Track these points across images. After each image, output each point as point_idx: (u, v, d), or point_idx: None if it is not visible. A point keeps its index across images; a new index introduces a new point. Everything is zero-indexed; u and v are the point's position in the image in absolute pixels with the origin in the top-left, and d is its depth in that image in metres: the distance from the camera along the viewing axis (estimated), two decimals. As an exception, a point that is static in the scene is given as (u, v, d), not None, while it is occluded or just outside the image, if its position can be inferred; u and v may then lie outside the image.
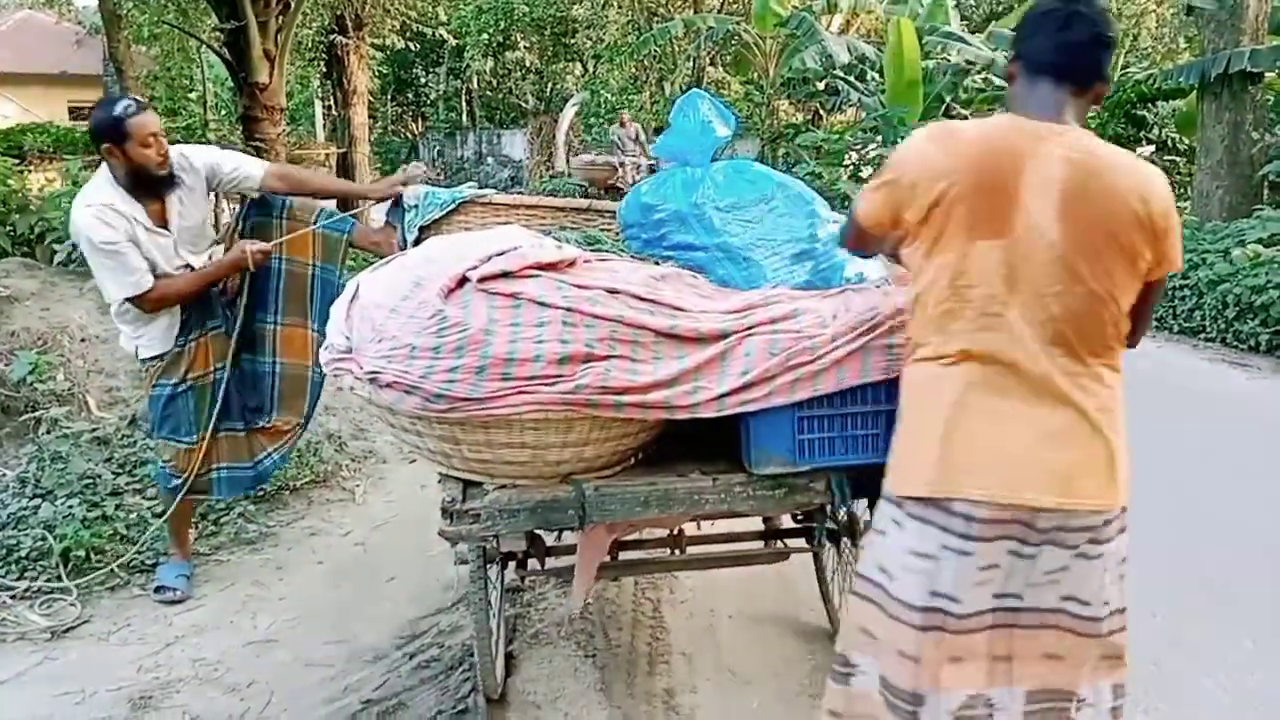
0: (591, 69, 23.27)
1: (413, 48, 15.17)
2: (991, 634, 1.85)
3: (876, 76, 16.20)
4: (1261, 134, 9.57)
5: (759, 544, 3.45)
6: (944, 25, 15.40)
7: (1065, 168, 1.77)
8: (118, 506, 4.11)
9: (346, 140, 11.91)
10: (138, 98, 3.44)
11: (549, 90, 27.07)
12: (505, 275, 2.27)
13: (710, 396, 2.27)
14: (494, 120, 28.46)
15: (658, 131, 21.29)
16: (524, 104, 28.16)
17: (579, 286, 2.31)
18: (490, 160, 27.35)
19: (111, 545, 3.93)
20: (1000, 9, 19.94)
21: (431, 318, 2.24)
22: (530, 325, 2.22)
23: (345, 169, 12.26)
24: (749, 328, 2.35)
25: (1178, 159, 12.41)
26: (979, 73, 15.23)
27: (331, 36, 11.44)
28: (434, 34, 21.06)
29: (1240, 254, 7.43)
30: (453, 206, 3.13)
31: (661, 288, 2.41)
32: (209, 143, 9.99)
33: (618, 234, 3.12)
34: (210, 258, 3.65)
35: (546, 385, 2.20)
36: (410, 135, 27.30)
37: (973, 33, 15.99)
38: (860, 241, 2.18)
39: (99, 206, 3.32)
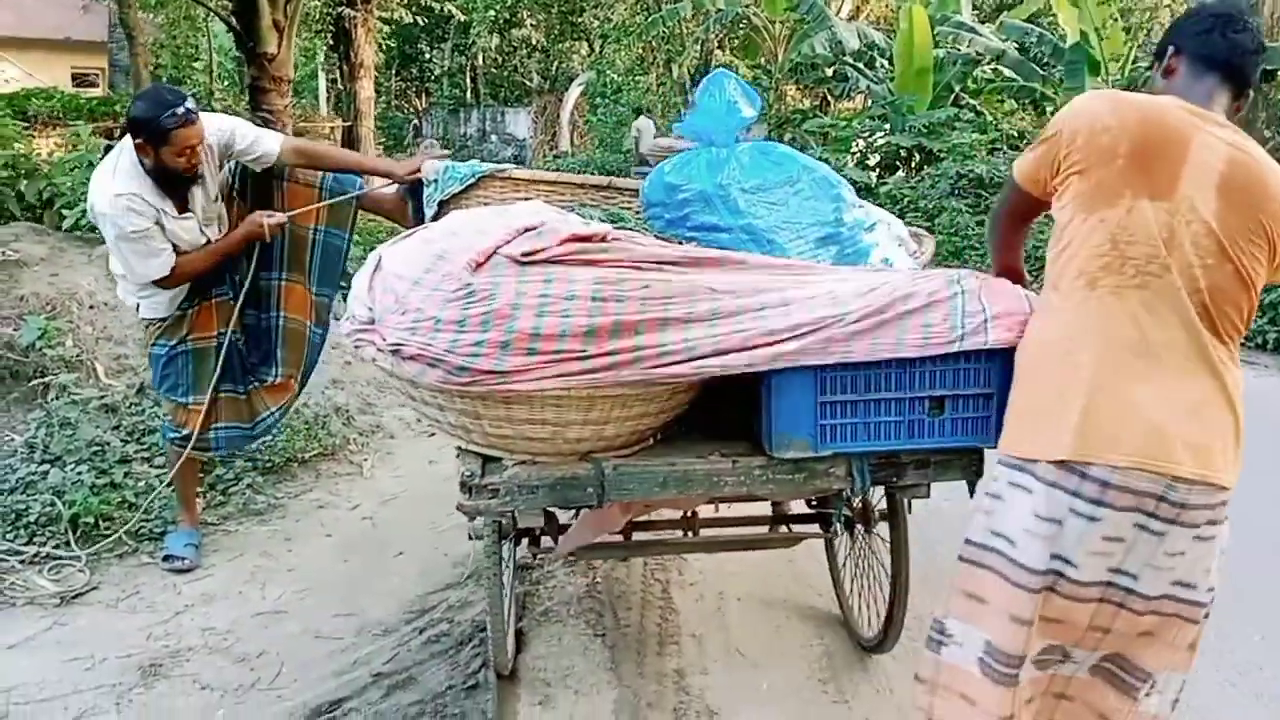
0: (598, 49, 23.15)
1: (420, 22, 15.04)
2: (1097, 607, 1.88)
3: (886, 64, 16.11)
4: (1274, 133, 9.54)
5: (772, 528, 3.45)
6: (955, 14, 15.31)
7: (1227, 151, 1.84)
8: (126, 474, 4.10)
9: (352, 114, 11.85)
10: (189, 104, 3.25)
11: (554, 69, 26.96)
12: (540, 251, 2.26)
13: (743, 355, 2.24)
14: (498, 98, 28.37)
15: (662, 114, 21.28)
16: (528, 82, 28.05)
17: (609, 263, 2.29)
18: (494, 138, 27.28)
19: (120, 512, 3.92)
20: (1012, 0, 19.82)
21: (457, 290, 2.23)
22: (559, 299, 2.21)
23: (350, 143, 12.20)
24: (784, 289, 2.35)
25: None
26: (989, 63, 15.15)
27: (339, 9, 11.36)
28: (441, 9, 20.91)
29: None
30: (472, 181, 3.11)
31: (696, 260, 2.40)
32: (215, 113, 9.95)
33: (638, 213, 3.11)
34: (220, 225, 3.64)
35: (572, 360, 2.19)
36: (414, 111, 27.20)
37: (983, 23, 15.89)
38: (1013, 208, 2.25)
39: (129, 196, 3.29)
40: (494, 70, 27.66)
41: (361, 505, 4.47)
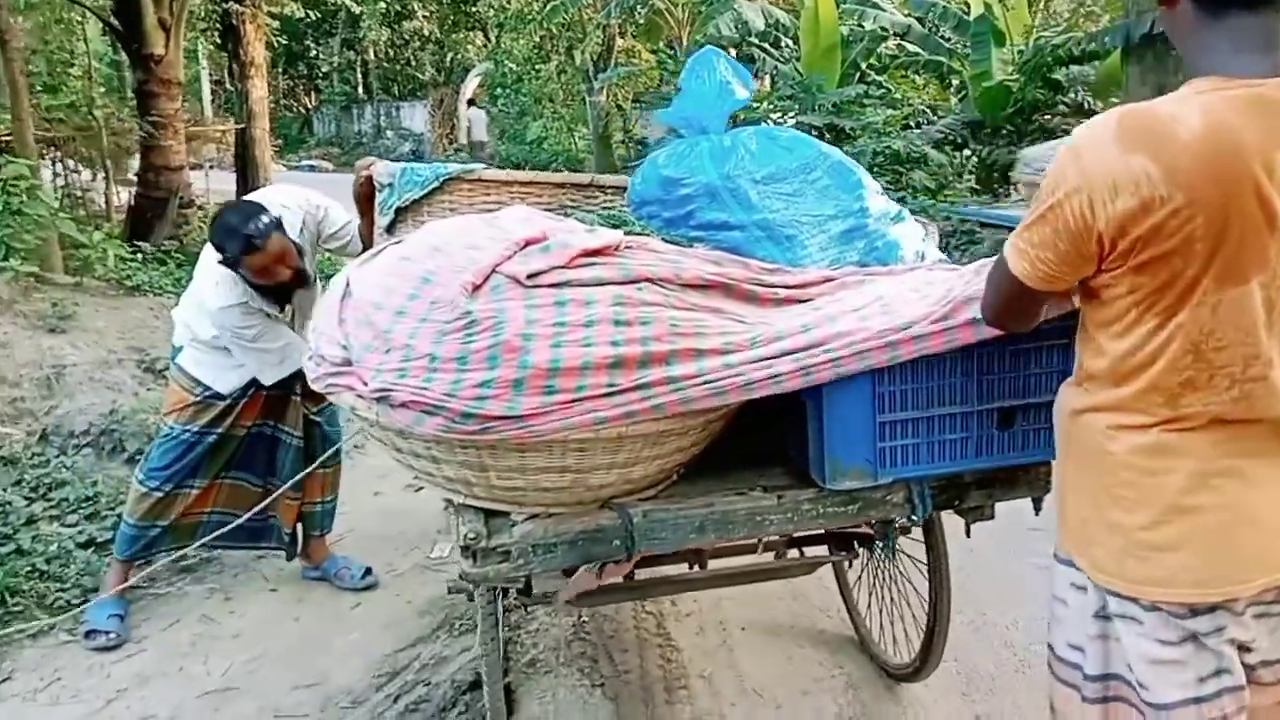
0: (495, 38, 22.51)
1: (310, 16, 14.24)
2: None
3: (791, 44, 15.96)
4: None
5: (778, 554, 3.12)
6: (858, -10, 15.22)
7: None
8: (34, 538, 3.57)
9: (244, 115, 11.13)
10: (256, 225, 2.91)
11: (449, 61, 26.20)
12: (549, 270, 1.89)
13: (793, 366, 1.90)
14: (391, 93, 27.50)
15: (566, 102, 20.81)
16: (422, 75, 27.21)
17: (624, 280, 1.94)
18: (389, 134, 26.48)
19: (30, 583, 3.40)
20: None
21: (454, 320, 1.84)
22: (576, 326, 1.84)
23: (243, 146, 11.45)
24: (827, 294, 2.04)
25: (1095, 122, 12.50)
26: (894, 39, 15.12)
27: (226, 4, 10.62)
28: (330, 2, 20.03)
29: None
30: (435, 185, 2.70)
31: (724, 269, 2.05)
32: (96, 122, 9.15)
33: (621, 211, 2.75)
34: None
35: (598, 397, 1.83)
36: (304, 109, 26.15)
37: (887, -2, 15.85)
38: (1018, 314, 1.68)
39: (240, 307, 3.07)
40: (386, 64, 26.73)
41: (306, 550, 4.00)
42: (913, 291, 2.07)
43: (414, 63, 26.30)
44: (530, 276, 1.89)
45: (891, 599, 2.97)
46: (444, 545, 3.95)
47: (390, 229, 2.79)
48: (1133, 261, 1.37)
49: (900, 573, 2.91)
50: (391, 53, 26.01)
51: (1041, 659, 3.03)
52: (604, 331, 1.85)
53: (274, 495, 3.19)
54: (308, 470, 3.29)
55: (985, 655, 3.10)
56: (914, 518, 2.17)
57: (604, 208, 2.81)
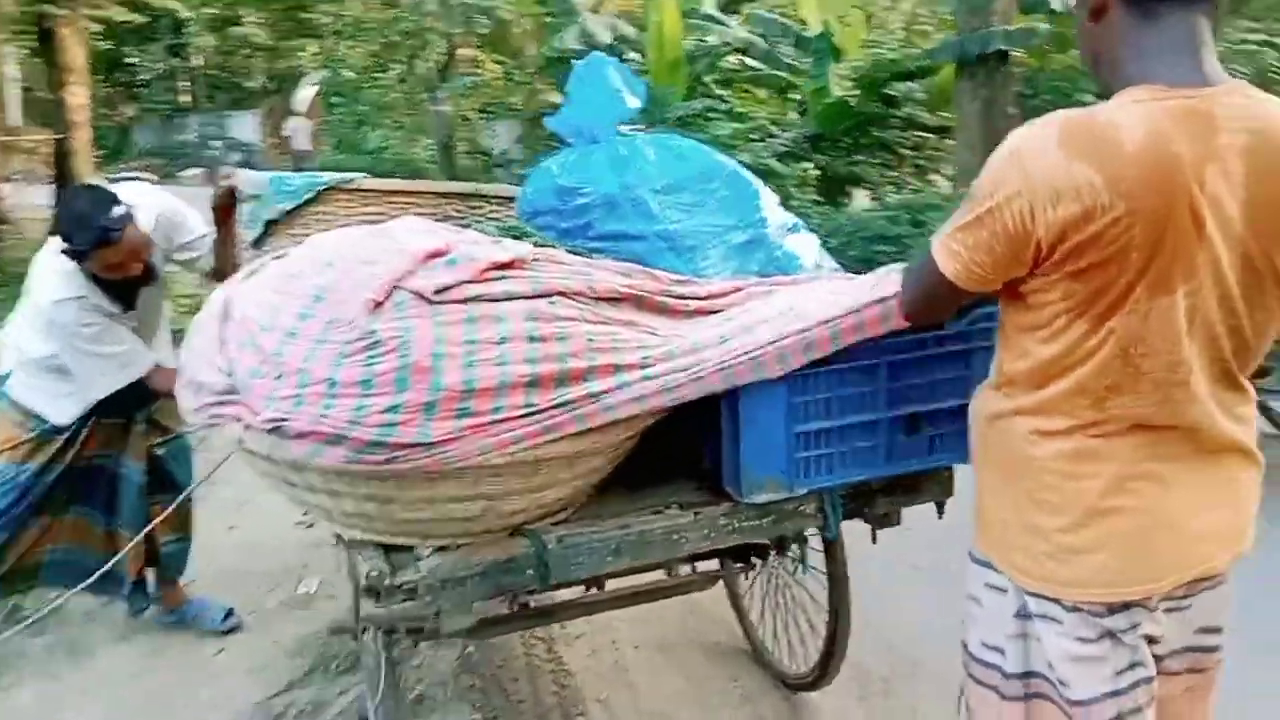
0: (331, 46, 21.80)
1: (132, 21, 13.29)
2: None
3: (638, 57, 16.09)
4: (1017, 110, 10.20)
5: (670, 571, 3.06)
6: (701, 7, 15.50)
7: (1246, 163, 1.32)
8: None
9: (63, 125, 10.34)
10: (110, 216, 2.58)
11: (281, 69, 25.21)
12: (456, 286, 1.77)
13: (713, 365, 1.85)
14: (219, 101, 26.27)
15: (408, 111, 20.33)
16: (251, 84, 26.08)
17: (537, 294, 1.84)
18: (217, 144, 25.27)
19: None
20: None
21: (355, 341, 1.71)
22: (489, 344, 1.74)
23: (61, 157, 10.65)
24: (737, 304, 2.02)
25: (929, 135, 13.10)
26: (735, 54, 15.44)
27: (40, 6, 9.83)
28: (154, 6, 18.91)
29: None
30: (310, 195, 2.53)
31: (635, 281, 1.98)
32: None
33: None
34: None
35: (516, 418, 1.73)
36: (125, 119, 24.67)
37: (729, 14, 16.18)
38: (941, 310, 1.72)
39: (78, 301, 2.74)
40: (213, 72, 25.47)
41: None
42: (820, 300, 2.05)
43: (243, 70, 25.17)
44: (437, 292, 1.77)
45: (786, 608, 2.96)
46: (311, 580, 3.72)
47: (259, 243, 2.61)
48: (1069, 267, 1.37)
49: (795, 581, 2.91)
50: (219, 60, 24.81)
51: (930, 659, 3.12)
52: (519, 349, 1.75)
53: (125, 549, 2.88)
54: (164, 514, 2.95)
55: (874, 658, 3.13)
56: (827, 528, 2.15)
57: (489, 218, 2.70)
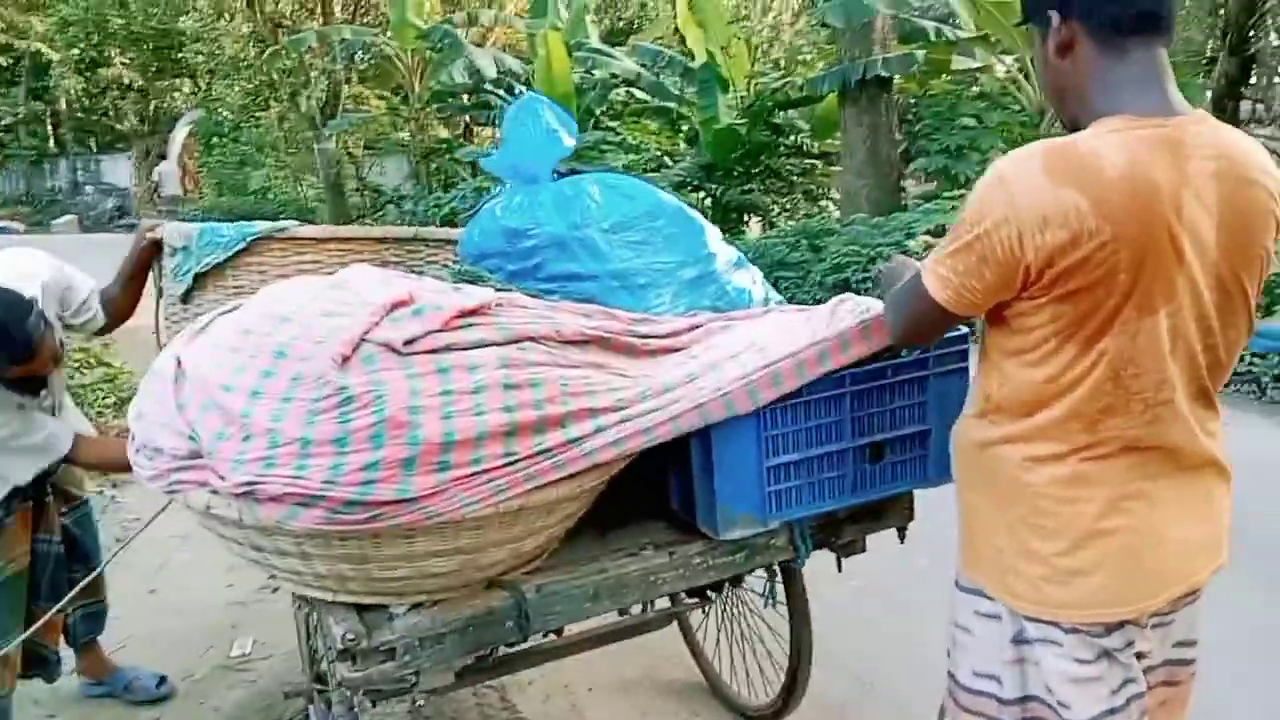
0: (206, 85, 21.19)
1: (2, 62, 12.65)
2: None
3: (525, 89, 16.09)
4: (903, 135, 10.56)
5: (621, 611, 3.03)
6: (586, 40, 15.62)
7: (1216, 188, 1.39)
8: None
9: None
10: (28, 331, 2.38)
11: (154, 109, 24.36)
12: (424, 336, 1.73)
13: (688, 405, 1.86)
14: (89, 145, 25.24)
15: (290, 150, 19.88)
16: (122, 126, 25.11)
17: (508, 341, 1.81)
18: (89, 189, 24.30)
19: None
20: (636, 25, 20.65)
21: (327, 398, 1.64)
22: (464, 394, 1.70)
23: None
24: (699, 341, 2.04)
25: (816, 162, 13.45)
26: (623, 86, 15.58)
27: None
28: (21, 47, 18.10)
29: (915, 243, 8.11)
30: (241, 245, 2.44)
31: (598, 323, 1.97)
32: None
33: (448, 264, 2.61)
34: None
35: (498, 468, 1.69)
36: (-16, 166, 23.48)
37: (614, 46, 16.35)
38: (929, 334, 1.75)
39: None
40: (81, 114, 24.42)
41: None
42: (780, 333, 2.08)
43: (114, 112, 24.22)
44: (406, 343, 1.72)
45: (742, 640, 2.96)
46: (244, 640, 3.56)
47: (187, 297, 2.50)
48: (1057, 291, 1.41)
49: (750, 611, 2.91)
50: (88, 102, 23.81)
51: (884, 683, 3.16)
52: (495, 397, 1.71)
53: (40, 621, 2.71)
54: (85, 582, 2.75)
55: (831, 685, 3.15)
56: (798, 559, 2.17)
57: (429, 261, 2.65)
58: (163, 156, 20.36)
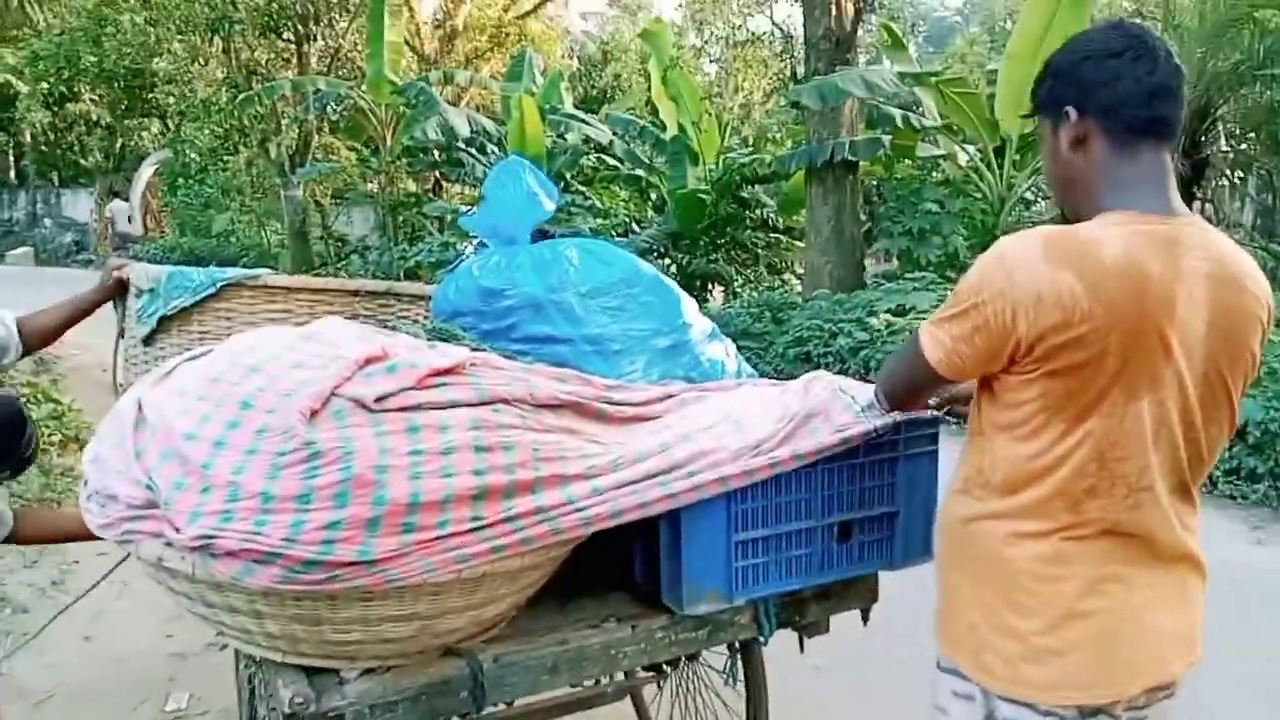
0: (175, 126, 21.11)
1: None
2: None
3: (497, 150, 16.22)
4: (866, 215, 10.75)
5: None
6: (560, 106, 15.82)
7: (1208, 289, 1.44)
8: None
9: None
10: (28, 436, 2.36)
11: (120, 147, 24.19)
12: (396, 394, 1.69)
13: (660, 493, 1.83)
14: (51, 179, 24.96)
15: (258, 195, 19.79)
16: (86, 161, 24.89)
17: (481, 402, 1.78)
18: (48, 222, 23.98)
19: None
20: (609, 95, 20.98)
21: (293, 453, 1.60)
22: (434, 455, 1.66)
23: None
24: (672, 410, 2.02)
25: (780, 236, 13.65)
26: (595, 152, 15.76)
27: None
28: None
29: (877, 321, 8.22)
30: (212, 291, 2.40)
31: (572, 388, 1.95)
32: None
33: (418, 320, 2.58)
34: None
35: (464, 533, 1.65)
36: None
37: (588, 113, 16.56)
38: (919, 395, 1.81)
39: None
40: (45, 148, 24.19)
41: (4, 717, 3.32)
42: (755, 406, 2.07)
43: (79, 147, 24.02)
44: (378, 400, 1.69)
45: (698, 717, 2.90)
46: (180, 695, 3.43)
47: (149, 340, 2.44)
48: (1047, 367, 1.44)
49: (707, 687, 2.86)
50: (53, 136, 23.61)
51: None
52: (465, 459, 1.68)
53: None
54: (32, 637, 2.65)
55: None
56: (761, 638, 2.13)
57: (401, 316, 2.62)
58: (116, 194, 20.06)
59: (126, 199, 19.14)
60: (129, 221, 19.21)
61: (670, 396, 2.14)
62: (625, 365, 2.30)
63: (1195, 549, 1.56)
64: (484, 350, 2.09)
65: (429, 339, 2.11)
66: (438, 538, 1.62)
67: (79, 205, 24.11)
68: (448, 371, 1.80)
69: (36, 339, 2.61)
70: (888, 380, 1.82)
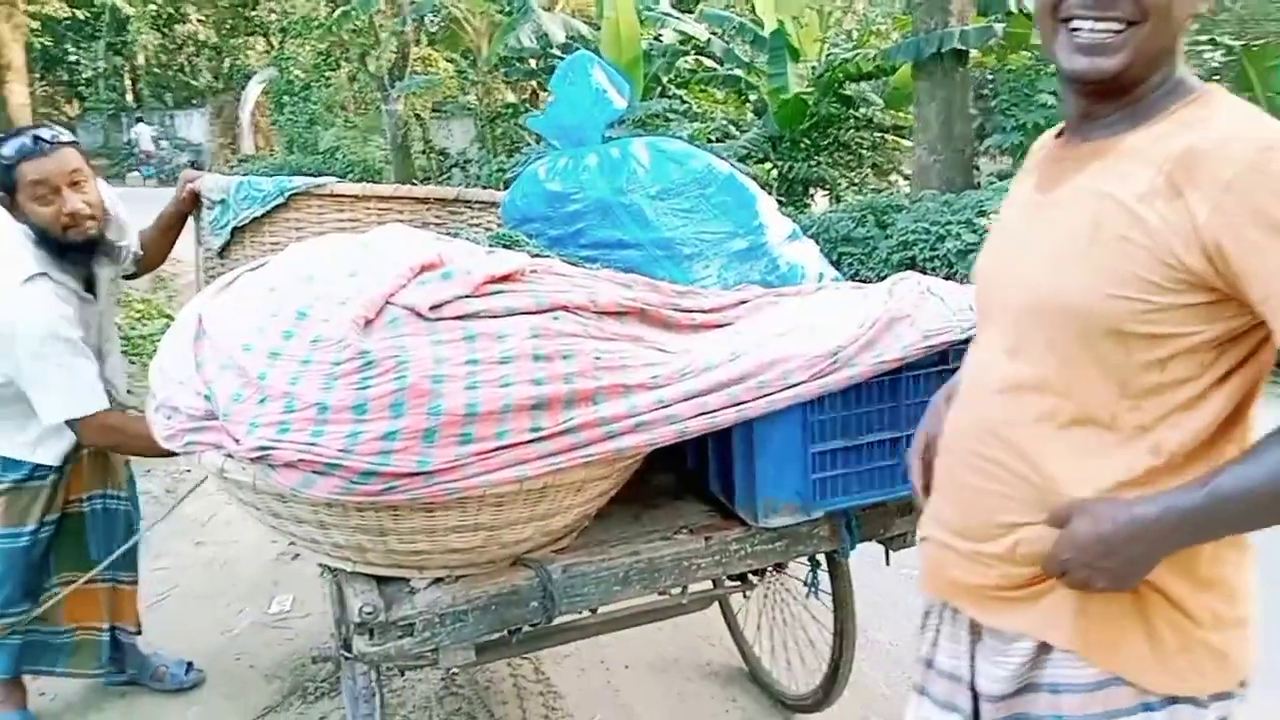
0: (278, 44, 21.38)
1: (78, 15, 12.72)
2: None
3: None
4: (978, 111, 10.21)
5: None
6: (656, 3, 15.38)
7: None
8: None
9: (2, 123, 9.98)
10: (48, 128, 2.27)
11: (228, 67, 24.67)
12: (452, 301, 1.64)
13: (725, 401, 1.75)
14: (165, 101, 25.68)
15: (359, 110, 20.00)
16: (197, 82, 25.50)
17: (540, 310, 1.72)
18: (165, 144, 24.72)
19: None
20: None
21: (347, 362, 1.57)
22: (491, 363, 1.61)
23: None
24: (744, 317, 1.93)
25: (886, 135, 13.12)
26: (692, 53, 15.35)
27: (-27, 0, 9.48)
28: (95, 2, 18.37)
29: (987, 222, 7.83)
30: (280, 200, 2.38)
31: (637, 294, 1.87)
32: None
33: (488, 228, 2.52)
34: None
35: (523, 444, 1.60)
36: (67, 118, 23.99)
37: (684, 13, 16.09)
38: None
39: (44, 282, 2.29)
40: (158, 70, 24.82)
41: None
42: (834, 311, 1.96)
43: (189, 69, 24.58)
44: (433, 308, 1.64)
45: (784, 626, 2.86)
46: (284, 598, 3.56)
47: (223, 251, 2.45)
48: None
49: (794, 598, 2.81)
50: (164, 58, 24.19)
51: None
52: (523, 368, 1.62)
53: (80, 580, 2.58)
54: (125, 548, 2.65)
55: (875, 675, 3.04)
56: (843, 550, 2.06)
57: (471, 224, 2.57)
58: (139, 120, 20.70)
59: (149, 124, 19.95)
60: (152, 142, 20.06)
61: (744, 302, 2.04)
62: (698, 270, 2.21)
63: None
64: (548, 257, 2.02)
65: (491, 246, 2.05)
66: (496, 448, 1.58)
67: (192, 126, 24.78)
68: (505, 279, 1.74)
69: (143, 260, 2.68)
70: None
